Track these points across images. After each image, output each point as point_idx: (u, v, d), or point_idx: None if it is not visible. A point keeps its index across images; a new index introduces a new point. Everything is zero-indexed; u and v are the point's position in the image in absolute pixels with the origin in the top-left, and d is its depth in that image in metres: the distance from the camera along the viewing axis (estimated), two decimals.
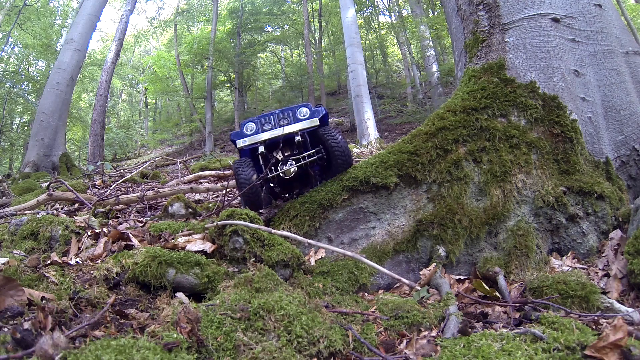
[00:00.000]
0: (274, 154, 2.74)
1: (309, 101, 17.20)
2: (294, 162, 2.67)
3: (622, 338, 1.23)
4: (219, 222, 2.21)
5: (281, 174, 2.65)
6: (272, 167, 2.69)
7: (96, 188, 5.58)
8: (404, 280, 1.46)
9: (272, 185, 2.80)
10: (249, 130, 2.74)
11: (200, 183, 5.49)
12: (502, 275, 2.10)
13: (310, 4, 18.07)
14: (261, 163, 2.77)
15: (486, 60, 2.88)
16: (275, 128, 2.73)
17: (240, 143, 2.69)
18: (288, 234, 1.97)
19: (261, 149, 2.68)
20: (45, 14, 17.36)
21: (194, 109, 21.17)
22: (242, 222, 2.07)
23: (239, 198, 3.00)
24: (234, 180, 3.03)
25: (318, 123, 2.72)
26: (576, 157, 2.52)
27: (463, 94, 2.74)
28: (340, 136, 2.69)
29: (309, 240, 1.75)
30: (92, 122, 11.79)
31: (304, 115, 2.74)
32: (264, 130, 2.73)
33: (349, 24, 9.31)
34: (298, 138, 2.69)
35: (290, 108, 2.82)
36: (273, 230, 2.05)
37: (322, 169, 2.89)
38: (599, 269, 2.16)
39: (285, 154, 2.76)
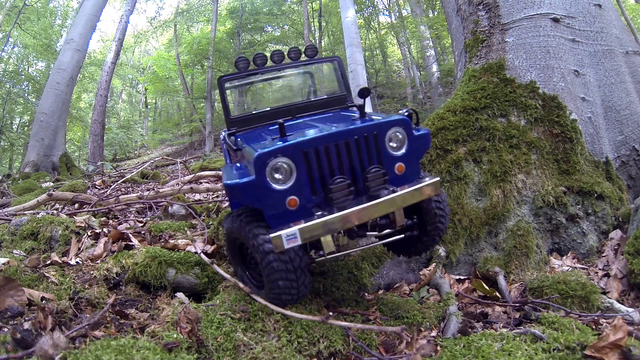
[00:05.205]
0: None
1: None
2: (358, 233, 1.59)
3: (622, 338, 1.23)
4: (206, 259, 2.17)
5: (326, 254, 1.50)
6: None
7: (96, 188, 5.58)
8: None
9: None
10: (279, 182, 1.41)
11: (200, 183, 5.49)
12: (502, 275, 2.10)
13: (310, 4, 18.05)
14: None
15: (486, 60, 2.88)
16: (354, 193, 1.45)
17: (287, 241, 1.32)
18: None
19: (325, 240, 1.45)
20: (45, 14, 17.33)
21: (194, 109, 21.15)
22: (226, 275, 2.00)
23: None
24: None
25: (439, 191, 1.53)
26: (576, 157, 2.52)
27: (463, 94, 2.74)
28: (447, 206, 1.75)
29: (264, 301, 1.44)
30: (92, 122, 11.79)
31: (398, 150, 1.54)
32: (330, 190, 1.41)
33: (349, 24, 9.30)
34: (403, 222, 1.58)
35: (372, 124, 1.49)
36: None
37: (402, 241, 1.76)
38: (599, 269, 2.16)
39: None
